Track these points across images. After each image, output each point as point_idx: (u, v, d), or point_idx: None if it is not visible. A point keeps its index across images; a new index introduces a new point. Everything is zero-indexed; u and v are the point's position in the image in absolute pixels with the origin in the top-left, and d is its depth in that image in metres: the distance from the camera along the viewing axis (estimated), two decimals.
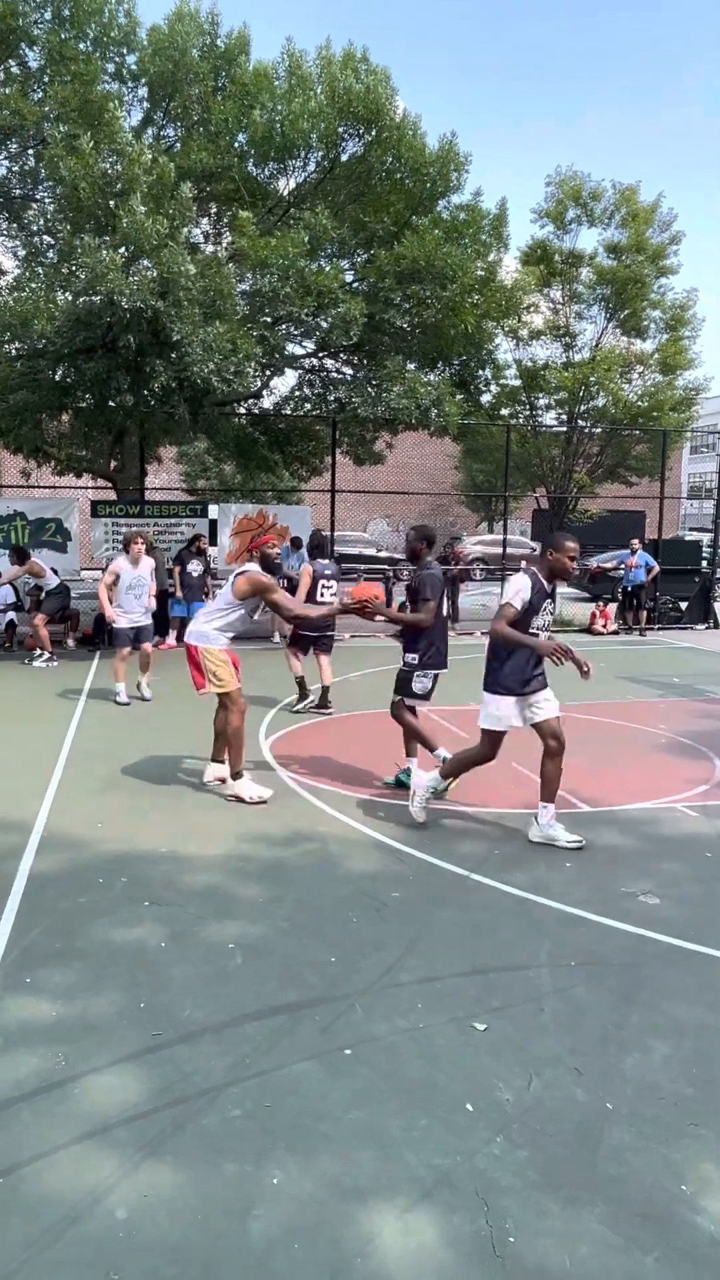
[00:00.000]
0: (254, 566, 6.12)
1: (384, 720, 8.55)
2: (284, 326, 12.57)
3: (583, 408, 16.59)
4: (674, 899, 4.57)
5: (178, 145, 12.60)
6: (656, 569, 16.22)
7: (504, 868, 4.91)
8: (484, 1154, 2.71)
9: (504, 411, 16.89)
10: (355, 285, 13.31)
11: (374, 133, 12.56)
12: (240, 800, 6.00)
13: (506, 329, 16.01)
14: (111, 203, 10.32)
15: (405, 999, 3.56)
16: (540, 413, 17.30)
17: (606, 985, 3.70)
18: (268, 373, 13.90)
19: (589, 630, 16.02)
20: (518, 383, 16.83)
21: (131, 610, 9.47)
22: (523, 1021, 3.42)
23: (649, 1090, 3.03)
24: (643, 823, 5.74)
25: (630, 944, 4.07)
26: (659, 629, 16.67)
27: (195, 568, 13.30)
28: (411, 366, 13.17)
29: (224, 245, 13.60)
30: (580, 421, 16.76)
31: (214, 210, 13.92)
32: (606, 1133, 2.82)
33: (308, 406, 14.83)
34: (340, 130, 12.50)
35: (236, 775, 6.10)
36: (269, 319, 11.96)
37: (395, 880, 4.73)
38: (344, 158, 12.96)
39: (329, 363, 14.73)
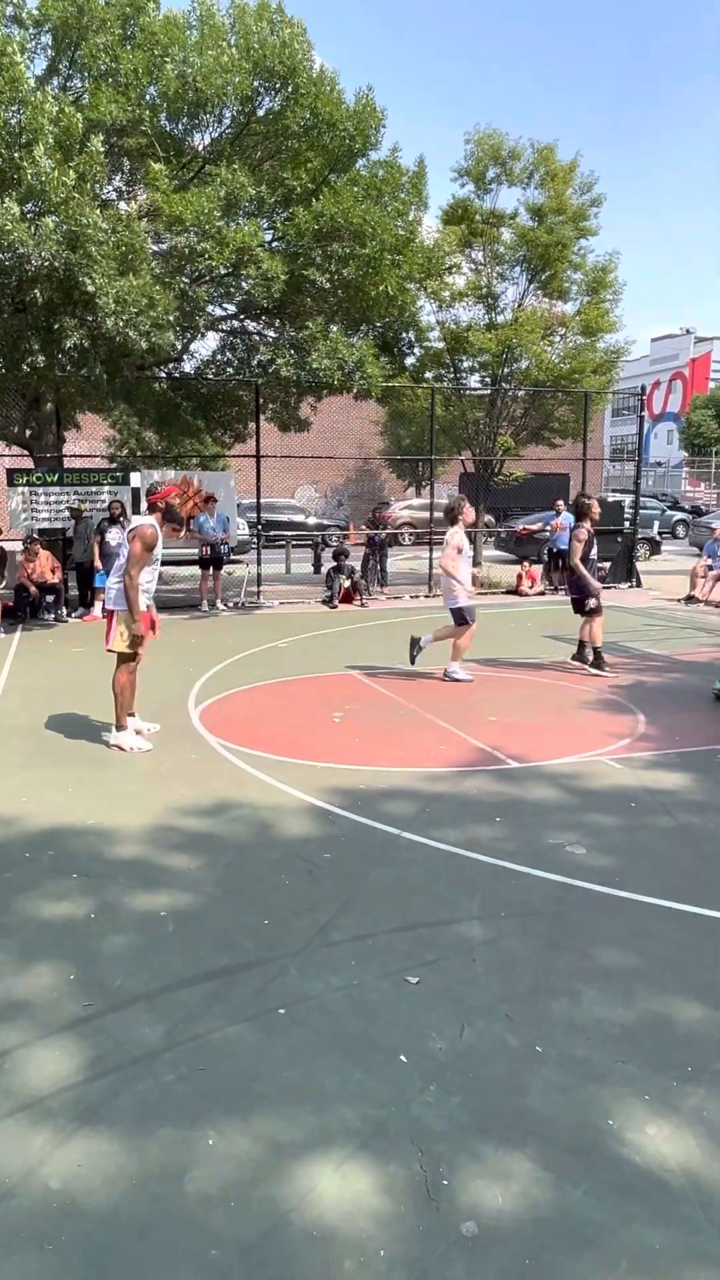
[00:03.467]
0: (148, 520, 6.37)
1: (313, 685, 8.55)
2: (204, 286, 12.26)
3: (506, 370, 16.63)
4: (599, 848, 4.68)
5: (85, 97, 12.10)
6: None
7: (434, 825, 4.96)
8: (418, 1102, 2.75)
9: (428, 375, 16.84)
10: (274, 244, 13.06)
11: (290, 88, 12.26)
12: (121, 750, 6.37)
13: (429, 290, 15.92)
14: (16, 154, 9.88)
15: (339, 957, 3.58)
16: (464, 375, 17.30)
17: (536, 934, 3.78)
18: (188, 335, 13.57)
19: (516, 591, 16.20)
20: (441, 345, 16.77)
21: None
22: (455, 973, 3.48)
23: (577, 1032, 3.11)
24: (569, 776, 5.86)
25: (558, 893, 4.17)
26: None
27: (115, 536, 13.02)
28: (334, 328, 12.99)
29: (138, 203, 13.18)
30: (504, 384, 16.80)
31: (127, 166, 13.45)
32: (537, 1075, 2.89)
33: (230, 370, 14.55)
34: (256, 85, 12.16)
35: (120, 727, 6.48)
36: (187, 278, 11.65)
37: (327, 842, 4.74)
38: (260, 113, 12.64)
39: (250, 325, 14.46)
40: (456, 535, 8.83)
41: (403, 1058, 2.96)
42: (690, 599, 15.03)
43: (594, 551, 9.43)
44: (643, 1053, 3.00)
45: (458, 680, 8.62)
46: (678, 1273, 2.15)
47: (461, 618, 8.76)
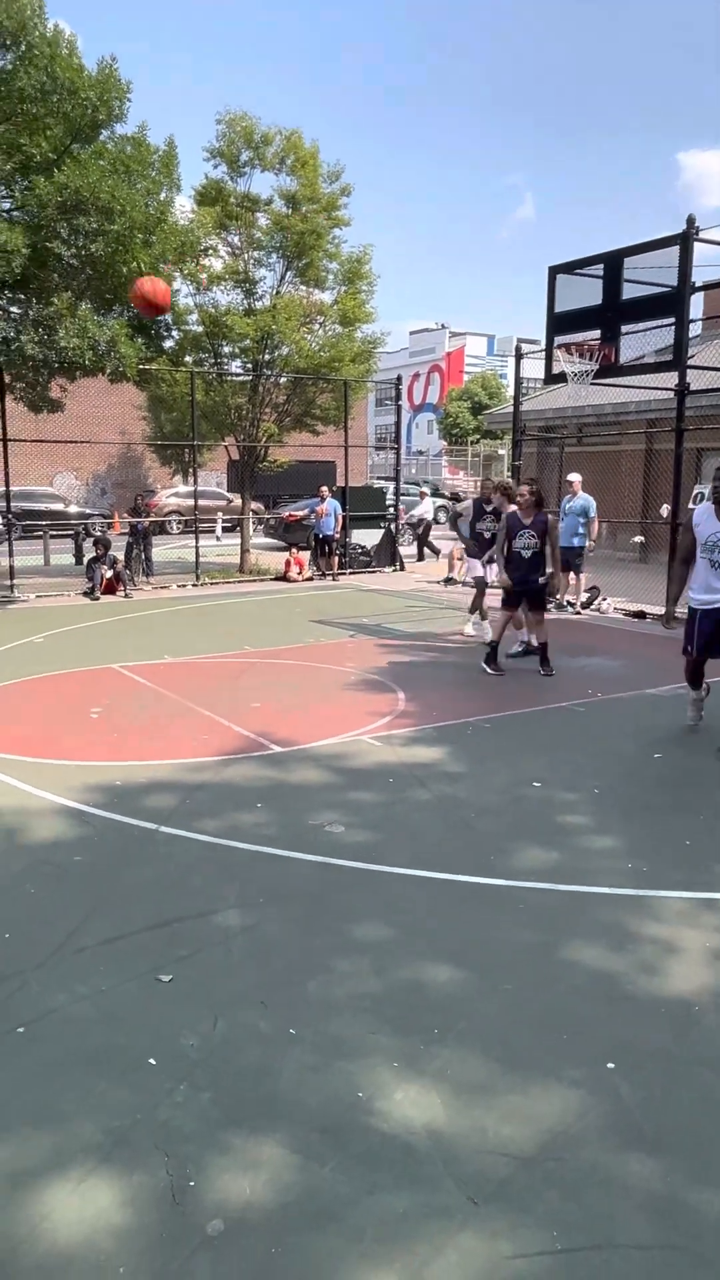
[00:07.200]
0: None
1: (70, 681, 8.15)
2: None
3: (267, 356, 16.58)
4: (358, 825, 4.76)
5: None
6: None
7: (194, 816, 4.85)
8: (166, 1105, 2.65)
9: (188, 358, 16.48)
10: (14, 214, 12.25)
11: (22, 46, 11.51)
12: None
13: (185, 272, 15.55)
14: None
15: (86, 964, 3.39)
16: (225, 360, 17.09)
17: (292, 917, 3.77)
18: None
19: (284, 578, 16.28)
20: (200, 329, 16.45)
21: None
22: (209, 966, 3.40)
23: (330, 1009, 3.13)
24: (331, 757, 5.93)
25: (316, 873, 4.19)
26: (350, 573, 17.35)
27: None
28: (83, 306, 12.39)
29: None
30: (265, 370, 16.76)
31: None
32: (289, 1058, 2.87)
33: None
34: None
35: None
36: None
37: (79, 844, 4.50)
38: None
39: None
40: None
41: (151, 1060, 2.84)
42: (449, 580, 15.74)
43: (520, 540, 8.30)
44: (392, 1021, 3.06)
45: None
46: (417, 1232, 2.20)
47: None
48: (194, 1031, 3.00)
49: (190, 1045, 2.92)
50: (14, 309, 13.37)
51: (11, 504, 14.15)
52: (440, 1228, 2.22)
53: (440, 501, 33.97)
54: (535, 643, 8.69)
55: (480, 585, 10.32)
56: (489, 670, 8.42)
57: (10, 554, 14.12)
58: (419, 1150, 2.48)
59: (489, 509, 10.04)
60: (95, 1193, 2.32)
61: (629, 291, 10.72)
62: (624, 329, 10.80)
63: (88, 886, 4.04)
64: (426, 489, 23.94)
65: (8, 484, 13.67)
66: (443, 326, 69.01)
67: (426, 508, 21.40)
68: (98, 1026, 3.02)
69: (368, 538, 18.50)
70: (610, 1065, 2.83)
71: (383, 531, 18.64)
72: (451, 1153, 2.47)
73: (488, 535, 9.96)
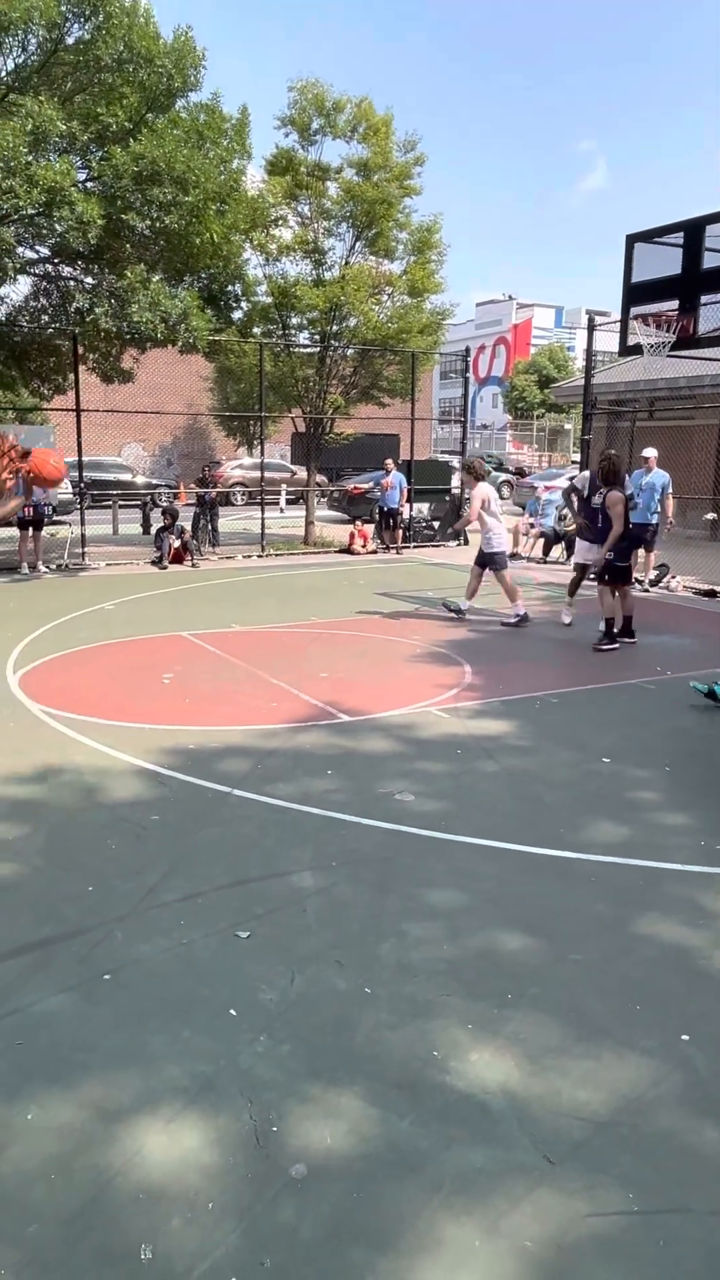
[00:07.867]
0: None
1: (142, 647, 8.31)
2: (11, 227, 11.46)
3: (335, 328, 16.54)
4: (427, 794, 4.80)
5: None
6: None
7: (266, 781, 4.94)
8: (247, 1054, 2.74)
9: (256, 330, 16.52)
10: (90, 185, 12.37)
11: (101, 16, 11.56)
12: None
13: (255, 242, 15.56)
14: None
15: (167, 918, 3.51)
16: (293, 332, 17.08)
17: (365, 880, 3.84)
18: None
19: (348, 550, 16.32)
20: (269, 300, 16.47)
21: None
22: (285, 924, 3.48)
23: (404, 971, 3.19)
24: (399, 727, 5.97)
25: (387, 840, 4.25)
26: (414, 547, 17.31)
27: None
28: (155, 278, 12.49)
29: None
30: (333, 341, 16.72)
31: None
32: (365, 1015, 2.94)
33: (45, 318, 13.73)
34: (63, 10, 11.39)
35: None
36: None
37: (156, 804, 4.63)
38: (69, 41, 11.86)
39: (66, 270, 13.67)
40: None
41: (232, 1011, 2.94)
42: (513, 555, 15.60)
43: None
44: (466, 984, 3.11)
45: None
46: (495, 1186, 2.25)
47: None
48: (272, 986, 3.08)
49: (269, 999, 3.01)
50: (89, 279, 13.56)
51: (83, 474, 14.42)
52: (517, 1184, 2.27)
53: (503, 477, 33.59)
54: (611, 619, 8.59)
55: (581, 570, 9.54)
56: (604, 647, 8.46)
57: (82, 522, 14.41)
58: (494, 1109, 2.53)
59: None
60: (183, 1132, 2.42)
61: (710, 260, 10.43)
62: (704, 299, 10.52)
63: (166, 845, 4.16)
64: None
65: (80, 454, 13.92)
66: (510, 298, 67.86)
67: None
68: (180, 977, 3.12)
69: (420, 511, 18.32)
70: (685, 1037, 2.84)
71: (446, 505, 18.53)
72: (526, 1113, 2.52)
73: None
